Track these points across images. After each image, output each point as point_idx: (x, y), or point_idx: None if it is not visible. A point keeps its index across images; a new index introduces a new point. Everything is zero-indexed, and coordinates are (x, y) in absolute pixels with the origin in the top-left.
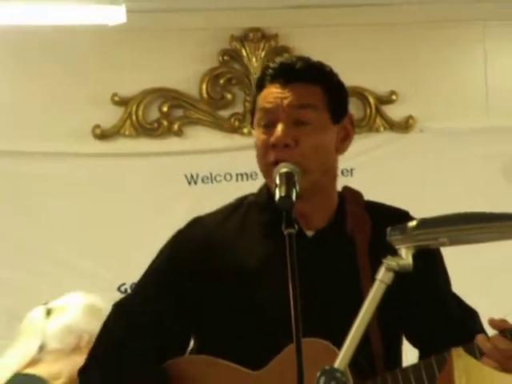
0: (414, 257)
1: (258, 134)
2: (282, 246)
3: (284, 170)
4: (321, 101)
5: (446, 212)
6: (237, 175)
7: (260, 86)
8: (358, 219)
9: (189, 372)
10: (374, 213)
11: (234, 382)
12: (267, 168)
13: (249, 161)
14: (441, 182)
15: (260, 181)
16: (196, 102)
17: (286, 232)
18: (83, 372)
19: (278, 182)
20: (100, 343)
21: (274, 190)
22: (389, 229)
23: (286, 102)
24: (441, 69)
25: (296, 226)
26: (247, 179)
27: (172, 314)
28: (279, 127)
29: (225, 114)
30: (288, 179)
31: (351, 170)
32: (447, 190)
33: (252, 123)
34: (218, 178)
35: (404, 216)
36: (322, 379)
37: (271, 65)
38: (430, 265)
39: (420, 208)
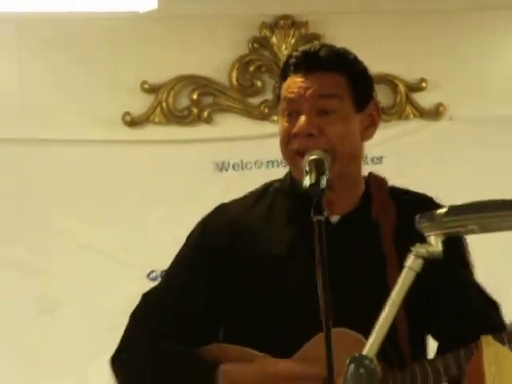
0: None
1: (281, 123)
2: (307, 232)
3: (314, 156)
4: (344, 89)
5: (475, 200)
6: (267, 162)
7: (283, 75)
8: (384, 205)
9: (221, 359)
10: (398, 199)
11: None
12: (289, 156)
13: (279, 148)
14: (471, 170)
15: None
16: (226, 90)
17: (315, 219)
18: (115, 362)
19: (307, 168)
20: (131, 334)
21: (304, 176)
22: (417, 216)
23: (308, 91)
24: (472, 56)
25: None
26: (277, 166)
27: (203, 304)
28: (302, 117)
29: (254, 101)
30: (318, 166)
31: (381, 157)
32: (477, 177)
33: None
34: (249, 165)
35: (429, 202)
36: (352, 366)
37: (294, 54)
38: (454, 253)
39: (449, 195)
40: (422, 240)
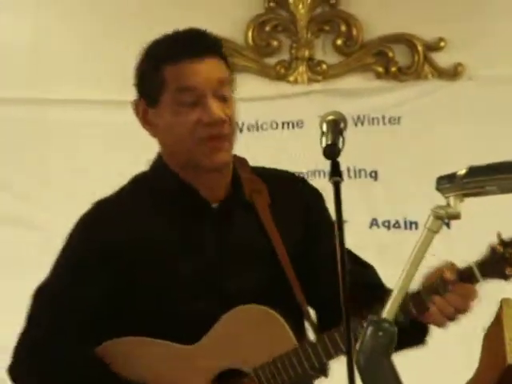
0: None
1: (180, 115)
2: (189, 216)
3: (331, 117)
4: (228, 74)
5: (493, 161)
6: (283, 123)
7: (165, 59)
8: (254, 184)
9: (119, 354)
10: (263, 176)
11: (170, 358)
12: (196, 144)
13: (295, 109)
14: (489, 130)
15: (306, 130)
16: (241, 49)
17: (332, 180)
18: (14, 368)
19: (324, 129)
20: (27, 336)
21: (321, 137)
22: (437, 177)
23: (211, 77)
24: (490, 15)
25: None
26: (293, 127)
27: (97, 297)
28: (213, 104)
29: (271, 61)
30: (335, 126)
31: (398, 118)
32: (496, 138)
33: (146, 100)
34: (264, 126)
35: (292, 177)
36: (370, 329)
37: (172, 40)
38: (325, 211)
39: (467, 156)
40: (295, 214)
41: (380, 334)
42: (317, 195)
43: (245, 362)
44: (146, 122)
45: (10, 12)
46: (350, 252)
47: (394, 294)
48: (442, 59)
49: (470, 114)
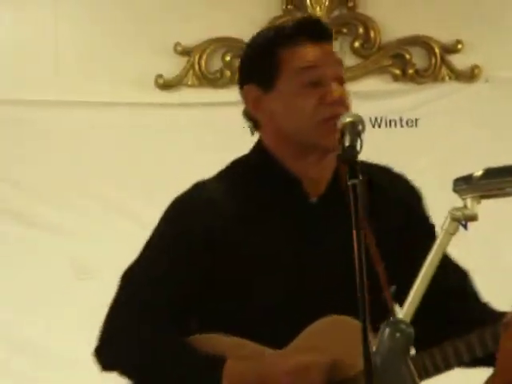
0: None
1: (302, 96)
2: (288, 214)
3: (349, 119)
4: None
5: (510, 163)
6: None
7: (280, 43)
8: None
9: (216, 349)
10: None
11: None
12: (316, 125)
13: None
14: (506, 133)
15: None
16: None
17: (349, 183)
18: (101, 349)
19: (342, 131)
20: (116, 317)
21: (339, 140)
22: (454, 179)
23: (331, 59)
24: (507, 16)
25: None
26: None
27: (187, 281)
28: (334, 84)
29: None
30: (353, 128)
31: (416, 120)
32: None
33: (259, 86)
34: None
35: (387, 170)
36: (387, 331)
37: (295, 23)
38: (426, 213)
39: (485, 158)
40: (389, 217)
41: (397, 335)
42: (417, 195)
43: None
44: (259, 108)
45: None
46: (447, 257)
47: (411, 296)
48: (459, 61)
49: (487, 115)
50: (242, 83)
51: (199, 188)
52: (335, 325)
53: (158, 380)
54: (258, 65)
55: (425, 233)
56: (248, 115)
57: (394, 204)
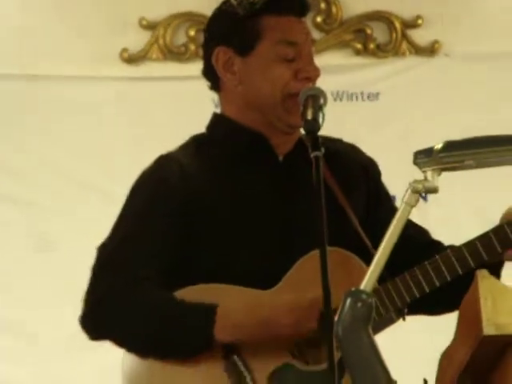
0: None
1: (277, 67)
2: (257, 170)
3: (311, 92)
4: None
5: (469, 136)
6: None
7: (265, 9)
8: None
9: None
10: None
11: (253, 299)
12: (283, 99)
13: None
14: (466, 106)
15: None
16: None
17: (312, 155)
18: (88, 316)
19: (304, 104)
20: (98, 283)
21: (302, 112)
22: (414, 152)
23: (309, 38)
24: None
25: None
26: None
27: (170, 249)
28: (312, 62)
29: None
30: (315, 102)
31: (377, 93)
32: (473, 114)
33: (235, 48)
34: None
35: (346, 144)
36: (349, 300)
37: None
38: (379, 177)
39: (444, 132)
40: (355, 178)
41: (359, 304)
42: (373, 162)
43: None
44: (228, 70)
45: None
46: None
47: (372, 266)
48: (420, 36)
49: (447, 89)
50: (212, 43)
51: (164, 157)
52: (316, 260)
53: (151, 339)
54: (237, 27)
55: (384, 193)
56: (210, 75)
57: (353, 167)
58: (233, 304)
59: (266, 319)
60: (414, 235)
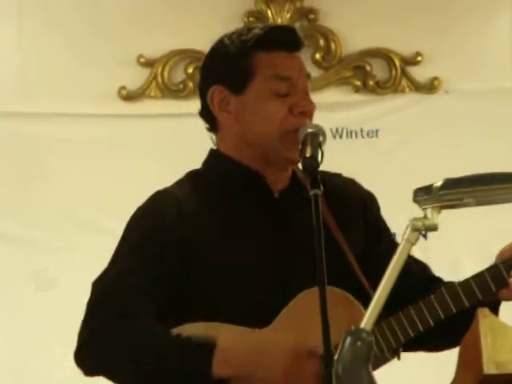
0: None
1: (272, 103)
2: (255, 208)
3: (310, 130)
4: None
5: (470, 173)
6: None
7: (257, 47)
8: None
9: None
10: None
11: (247, 340)
12: (281, 135)
13: None
14: (466, 143)
15: None
16: None
17: (311, 193)
18: (81, 351)
19: (303, 141)
20: (94, 318)
21: (301, 150)
22: (414, 189)
23: (302, 72)
24: (466, 29)
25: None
26: None
27: (165, 286)
28: (307, 97)
29: None
30: (313, 139)
31: (376, 130)
32: (472, 150)
33: (229, 86)
34: None
35: (345, 179)
36: (348, 339)
37: (273, 29)
38: (378, 211)
39: (444, 168)
40: (354, 212)
41: (358, 343)
42: (372, 196)
43: (318, 343)
44: (224, 109)
45: None
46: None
47: (372, 305)
48: (419, 73)
49: (447, 126)
50: (207, 83)
51: (160, 193)
52: (314, 297)
53: (146, 376)
54: (230, 66)
55: (383, 225)
56: (207, 116)
57: (352, 201)
58: (232, 343)
59: (264, 365)
60: (415, 271)
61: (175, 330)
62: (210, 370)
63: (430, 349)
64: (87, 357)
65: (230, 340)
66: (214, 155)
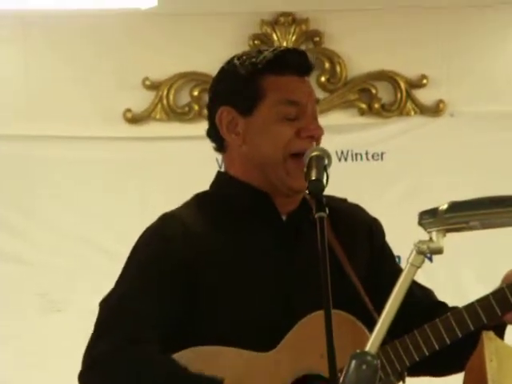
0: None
1: (279, 126)
2: (261, 231)
3: (315, 153)
4: None
5: (476, 196)
6: None
7: (266, 70)
8: None
9: (195, 362)
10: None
11: (247, 365)
12: (284, 159)
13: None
14: (471, 166)
15: None
16: None
17: (317, 215)
18: (86, 374)
19: (309, 165)
20: (106, 342)
21: (306, 173)
22: (419, 212)
23: (311, 97)
24: (472, 53)
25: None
26: None
27: (172, 310)
28: (315, 121)
29: None
30: (319, 162)
31: (381, 153)
32: (478, 174)
33: (238, 108)
34: None
35: (351, 204)
36: (354, 362)
37: (285, 52)
38: (383, 237)
39: (450, 192)
40: (359, 237)
41: (364, 367)
42: (377, 222)
43: (323, 367)
44: (232, 130)
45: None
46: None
47: (377, 328)
48: (424, 96)
49: (452, 149)
50: (216, 104)
51: (168, 215)
52: (319, 320)
53: None
54: (240, 87)
55: (388, 251)
56: (215, 136)
57: (357, 226)
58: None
59: None
60: (419, 296)
61: (177, 355)
62: None
63: (434, 373)
64: (91, 380)
65: (231, 370)
66: (221, 177)
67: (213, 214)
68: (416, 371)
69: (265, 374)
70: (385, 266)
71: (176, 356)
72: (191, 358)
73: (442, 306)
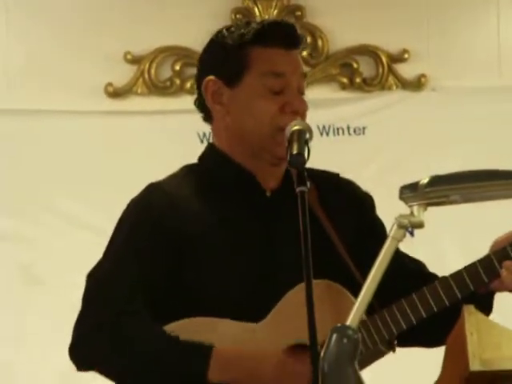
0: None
1: (264, 100)
2: (246, 207)
3: (296, 127)
4: None
5: (457, 170)
6: None
7: (254, 41)
8: None
9: (186, 333)
10: (312, 175)
11: (238, 335)
12: (271, 133)
13: None
14: (452, 141)
15: None
16: None
17: (298, 190)
18: (77, 346)
19: (290, 138)
20: (95, 314)
21: (287, 148)
22: (400, 187)
23: (298, 70)
24: (453, 27)
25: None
26: None
27: (160, 280)
28: (300, 97)
29: None
30: (300, 136)
31: (363, 128)
32: (458, 148)
33: (224, 79)
34: None
35: (341, 178)
36: (334, 336)
37: (272, 24)
38: (374, 211)
39: (431, 166)
40: (347, 209)
41: (344, 341)
42: (369, 196)
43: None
44: (217, 101)
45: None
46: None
47: (358, 302)
48: (406, 70)
49: (434, 123)
50: (203, 74)
51: (153, 185)
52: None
53: (140, 375)
54: (226, 57)
55: (379, 225)
56: (201, 106)
57: (347, 196)
58: (228, 352)
59: (256, 374)
60: (412, 268)
61: (168, 327)
62: (206, 375)
63: (422, 344)
64: (82, 352)
65: (222, 339)
66: (209, 150)
67: (198, 186)
68: (405, 341)
69: (255, 343)
70: (373, 238)
71: (167, 327)
72: (182, 328)
73: (434, 277)
